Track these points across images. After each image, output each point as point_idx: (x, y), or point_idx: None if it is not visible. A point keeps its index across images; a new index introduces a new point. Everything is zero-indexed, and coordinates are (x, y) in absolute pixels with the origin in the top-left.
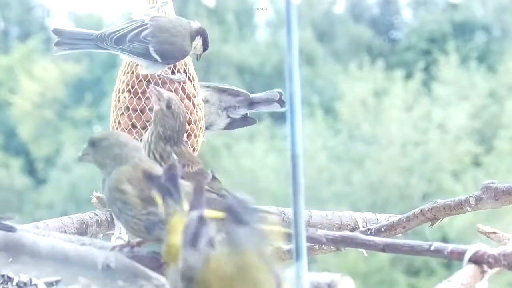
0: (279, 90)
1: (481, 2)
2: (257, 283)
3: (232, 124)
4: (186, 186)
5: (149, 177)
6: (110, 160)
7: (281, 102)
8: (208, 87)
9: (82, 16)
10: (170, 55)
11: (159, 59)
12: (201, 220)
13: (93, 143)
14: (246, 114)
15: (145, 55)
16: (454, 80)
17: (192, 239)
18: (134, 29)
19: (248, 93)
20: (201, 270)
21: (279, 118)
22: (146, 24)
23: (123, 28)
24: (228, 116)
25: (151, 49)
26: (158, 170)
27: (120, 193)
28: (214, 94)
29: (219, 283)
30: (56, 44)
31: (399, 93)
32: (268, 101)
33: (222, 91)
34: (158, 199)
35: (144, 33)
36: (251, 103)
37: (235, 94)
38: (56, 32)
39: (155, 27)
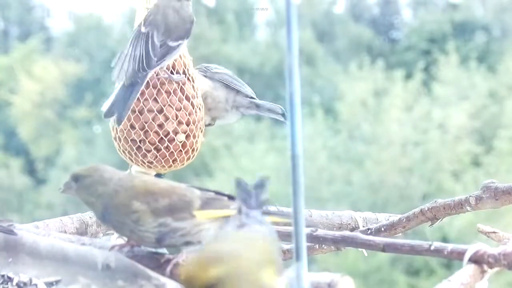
0: (281, 107)
1: (481, 2)
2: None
3: None
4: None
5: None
6: (95, 198)
7: (284, 116)
8: (218, 78)
9: (82, 16)
10: (183, 35)
11: (178, 45)
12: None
13: (76, 178)
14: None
15: (170, 54)
16: (454, 80)
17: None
18: (146, 45)
19: (255, 97)
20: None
21: None
22: (145, 32)
23: (138, 55)
24: (240, 113)
25: (170, 44)
26: (158, 183)
27: (132, 213)
28: (221, 90)
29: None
30: (117, 121)
31: (399, 93)
32: (271, 111)
33: (231, 89)
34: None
35: (155, 39)
36: (259, 105)
37: (246, 95)
38: (107, 114)
39: (155, 29)
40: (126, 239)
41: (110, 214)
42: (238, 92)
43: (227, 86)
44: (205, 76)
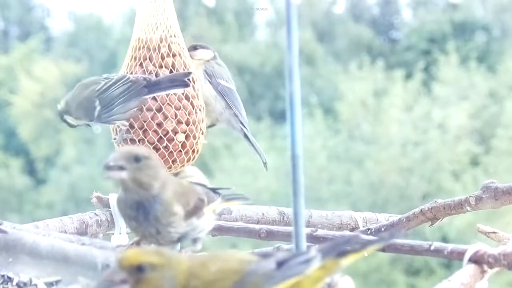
0: (265, 157)
1: (481, 2)
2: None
3: None
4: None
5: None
6: (156, 181)
7: (265, 165)
8: (220, 90)
9: (82, 16)
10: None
11: None
12: None
13: (137, 159)
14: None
15: None
16: (454, 80)
17: None
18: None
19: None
20: None
21: (279, 118)
22: None
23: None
24: (229, 127)
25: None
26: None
27: (171, 216)
28: (219, 103)
29: None
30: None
31: (399, 93)
32: (255, 149)
33: (230, 108)
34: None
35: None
36: (247, 137)
37: (240, 121)
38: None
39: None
40: (125, 238)
41: (147, 203)
42: (234, 113)
43: (227, 103)
44: (210, 82)
